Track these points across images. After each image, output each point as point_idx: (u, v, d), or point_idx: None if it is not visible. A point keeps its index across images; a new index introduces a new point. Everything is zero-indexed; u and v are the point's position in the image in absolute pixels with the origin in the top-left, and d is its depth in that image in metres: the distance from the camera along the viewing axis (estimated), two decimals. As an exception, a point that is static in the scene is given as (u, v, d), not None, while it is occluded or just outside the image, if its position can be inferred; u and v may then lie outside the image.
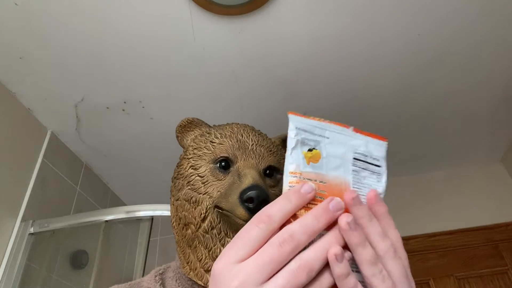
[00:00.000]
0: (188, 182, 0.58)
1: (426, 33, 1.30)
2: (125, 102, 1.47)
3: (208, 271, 0.55)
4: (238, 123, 0.65)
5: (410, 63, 1.41)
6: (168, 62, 1.33)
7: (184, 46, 1.27)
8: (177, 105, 1.50)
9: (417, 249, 1.85)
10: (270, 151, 0.60)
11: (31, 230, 1.32)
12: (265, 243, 0.31)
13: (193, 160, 0.59)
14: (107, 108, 1.49)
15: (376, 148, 0.37)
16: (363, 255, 0.31)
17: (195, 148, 0.61)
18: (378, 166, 0.37)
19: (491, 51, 1.39)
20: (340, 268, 0.30)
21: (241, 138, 0.59)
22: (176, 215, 0.60)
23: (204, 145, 0.60)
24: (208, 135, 0.62)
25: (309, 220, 0.31)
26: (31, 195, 1.38)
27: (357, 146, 0.36)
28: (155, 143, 1.68)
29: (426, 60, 1.40)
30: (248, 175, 0.53)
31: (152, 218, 1.38)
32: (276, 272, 0.30)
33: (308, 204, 0.33)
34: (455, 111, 1.67)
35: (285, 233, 0.31)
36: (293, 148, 0.35)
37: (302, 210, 0.33)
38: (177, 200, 0.60)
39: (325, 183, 0.34)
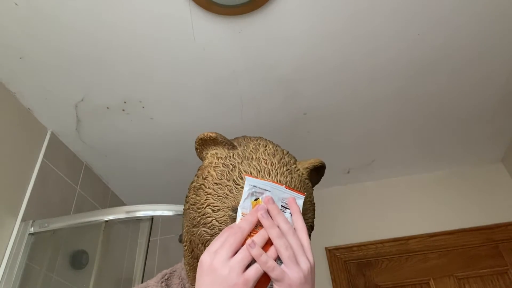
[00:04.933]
0: (205, 224, 0.56)
1: (426, 33, 1.30)
2: (125, 102, 1.47)
3: None
4: (266, 148, 0.61)
5: (410, 63, 1.41)
6: (168, 62, 1.33)
7: (184, 46, 1.27)
8: (177, 105, 1.50)
9: (417, 249, 1.84)
10: None
11: (31, 230, 1.32)
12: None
13: (212, 199, 0.57)
14: (107, 108, 1.49)
15: (293, 198, 0.57)
16: (272, 233, 0.50)
17: (216, 183, 0.58)
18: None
19: (491, 51, 1.39)
20: (254, 251, 0.48)
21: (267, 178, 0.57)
22: (188, 241, 0.60)
23: (227, 182, 0.57)
24: (232, 167, 0.58)
25: (249, 217, 0.52)
26: (31, 195, 1.38)
27: (284, 198, 0.55)
28: (155, 143, 1.68)
29: (426, 60, 1.40)
30: None
31: (152, 218, 1.38)
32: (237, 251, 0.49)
33: (253, 232, 0.52)
34: (455, 111, 1.67)
35: (235, 227, 0.51)
36: (246, 198, 0.53)
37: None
38: (192, 234, 0.59)
39: None
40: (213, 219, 0.56)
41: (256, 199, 0.54)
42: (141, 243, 1.40)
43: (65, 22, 1.17)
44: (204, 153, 0.63)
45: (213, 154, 0.61)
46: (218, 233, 0.56)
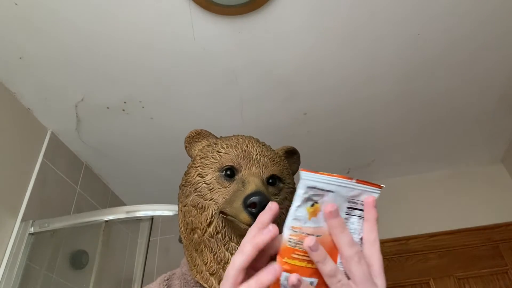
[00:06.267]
0: (195, 189, 0.61)
1: (426, 32, 1.30)
2: (125, 102, 1.47)
3: (212, 274, 0.56)
4: (244, 135, 0.69)
5: (410, 63, 1.41)
6: (168, 62, 1.33)
7: (184, 46, 1.27)
8: (177, 105, 1.50)
9: (417, 249, 1.84)
10: (273, 161, 0.64)
11: (31, 230, 1.32)
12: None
13: (200, 169, 0.62)
14: (107, 108, 1.49)
15: (369, 195, 0.41)
16: (324, 269, 0.37)
17: (202, 158, 0.64)
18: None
19: (491, 51, 1.39)
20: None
21: (246, 148, 0.63)
22: (184, 221, 0.62)
23: (211, 154, 0.63)
24: (214, 145, 0.65)
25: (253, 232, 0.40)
26: (31, 195, 1.38)
27: (353, 196, 0.40)
28: (155, 143, 1.68)
29: (426, 60, 1.40)
30: (251, 182, 0.56)
31: (152, 218, 1.38)
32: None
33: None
34: (455, 111, 1.67)
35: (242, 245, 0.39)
36: (299, 206, 0.38)
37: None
38: (184, 206, 0.62)
39: (320, 236, 0.38)
40: (202, 183, 0.60)
41: (312, 205, 0.39)
42: (141, 243, 1.40)
43: (65, 22, 1.17)
44: (192, 150, 0.69)
45: (200, 149, 0.68)
46: (208, 194, 0.59)
